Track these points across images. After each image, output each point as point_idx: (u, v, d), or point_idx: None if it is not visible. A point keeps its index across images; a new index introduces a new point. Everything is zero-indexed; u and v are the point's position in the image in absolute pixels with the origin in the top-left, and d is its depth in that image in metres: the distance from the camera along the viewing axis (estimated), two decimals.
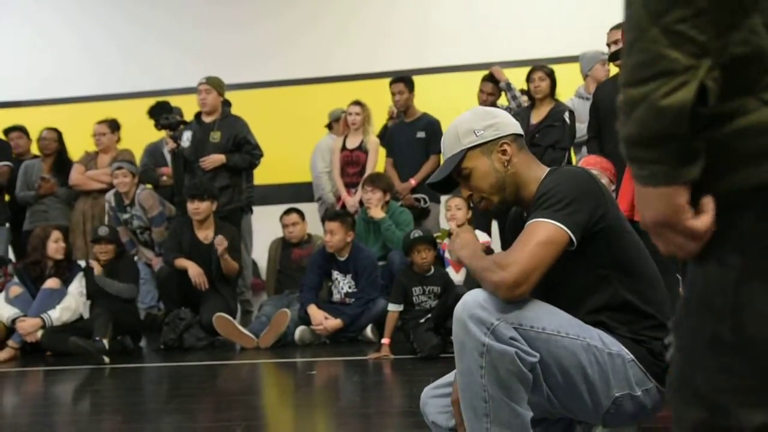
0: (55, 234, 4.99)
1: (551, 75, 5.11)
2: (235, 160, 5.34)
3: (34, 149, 6.38)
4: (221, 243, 4.79)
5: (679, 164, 0.84)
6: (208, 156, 5.29)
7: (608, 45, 4.62)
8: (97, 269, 4.88)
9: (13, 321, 4.71)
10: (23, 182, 5.94)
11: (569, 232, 1.63)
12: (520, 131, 1.90)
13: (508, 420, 1.57)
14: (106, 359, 4.29)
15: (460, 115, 1.96)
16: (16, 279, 4.99)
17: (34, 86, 8.44)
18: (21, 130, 6.43)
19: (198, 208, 4.98)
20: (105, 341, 4.40)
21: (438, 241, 4.75)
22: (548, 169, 1.86)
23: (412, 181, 5.51)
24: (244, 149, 5.40)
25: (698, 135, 0.82)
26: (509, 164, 1.83)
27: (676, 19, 0.77)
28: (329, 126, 6.54)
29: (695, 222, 0.86)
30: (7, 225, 5.95)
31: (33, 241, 5.03)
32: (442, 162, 1.97)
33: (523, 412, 1.60)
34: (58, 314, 4.71)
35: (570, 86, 5.21)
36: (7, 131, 6.35)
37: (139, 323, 5.05)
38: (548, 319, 1.61)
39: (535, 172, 1.83)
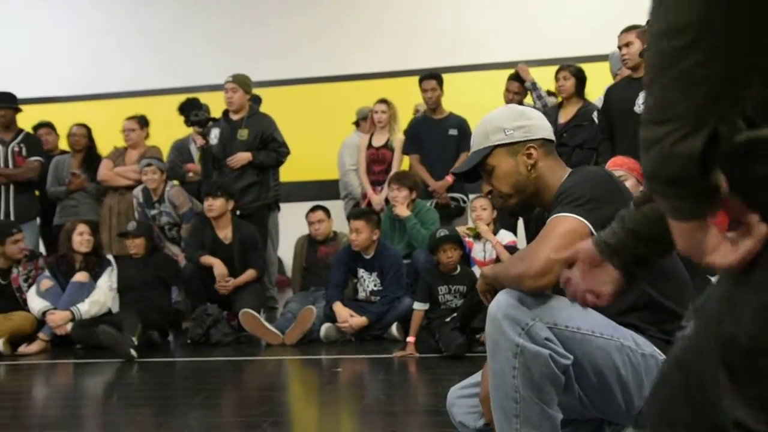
0: (80, 227, 5.07)
1: (577, 74, 5.08)
2: (262, 157, 5.37)
3: (63, 145, 6.47)
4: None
5: (697, 202, 0.84)
6: (235, 155, 5.33)
7: (619, 47, 4.55)
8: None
9: (44, 314, 4.81)
10: (54, 177, 6.03)
11: (590, 226, 1.63)
12: (551, 137, 1.90)
13: (538, 421, 1.57)
14: (134, 353, 4.34)
15: (495, 110, 1.97)
16: (47, 272, 5.07)
17: (63, 82, 8.57)
18: (49, 126, 6.53)
19: (212, 205, 5.03)
20: (134, 339, 4.45)
21: (466, 238, 4.75)
22: (570, 170, 1.86)
23: (449, 179, 5.50)
24: (270, 147, 5.43)
25: (726, 169, 0.82)
26: (533, 168, 1.83)
27: (692, 65, 0.75)
28: (356, 123, 6.56)
29: (715, 258, 0.85)
30: (38, 220, 6.05)
31: (62, 236, 5.14)
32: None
33: (554, 414, 1.59)
34: (87, 307, 4.78)
35: (600, 85, 5.16)
36: (36, 127, 6.45)
37: (168, 318, 5.09)
38: (582, 318, 1.61)
39: (558, 177, 1.83)
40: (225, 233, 5.14)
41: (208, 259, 5.00)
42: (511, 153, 1.84)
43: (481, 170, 1.89)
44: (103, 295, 4.92)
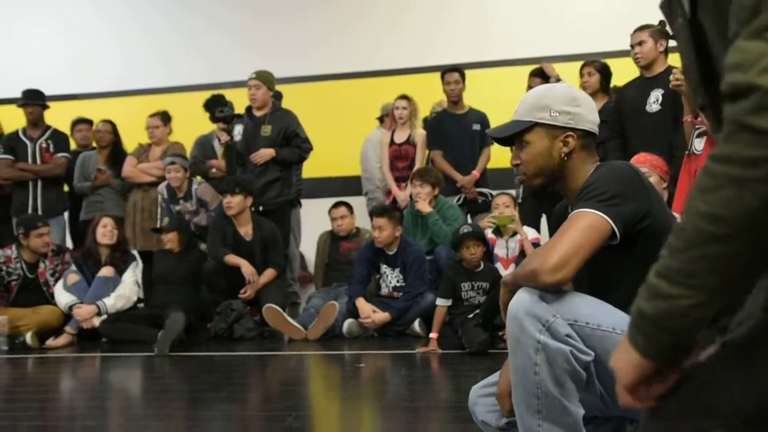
0: (104, 220, 5.17)
1: (602, 70, 5.04)
2: (285, 154, 5.40)
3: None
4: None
5: (675, 356, 0.89)
6: (258, 151, 5.37)
7: (632, 46, 4.49)
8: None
9: (70, 308, 4.89)
10: (80, 173, 6.13)
11: (611, 221, 1.61)
12: (595, 130, 1.87)
13: (560, 417, 1.57)
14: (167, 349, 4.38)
15: (552, 85, 1.94)
16: (73, 267, 5.15)
17: (89, 80, 8.67)
18: (87, 122, 6.61)
19: (230, 202, 5.07)
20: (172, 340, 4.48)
21: (489, 233, 4.75)
22: (598, 163, 1.84)
23: (476, 173, 5.49)
24: (293, 143, 5.46)
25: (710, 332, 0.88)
26: (567, 157, 1.81)
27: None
28: (380, 119, 6.56)
29: (637, 399, 0.94)
30: (66, 214, 6.14)
31: (90, 231, 5.23)
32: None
33: (575, 410, 1.59)
34: (112, 302, 4.86)
35: (626, 81, 5.13)
36: (74, 123, 6.53)
37: (195, 315, 5.12)
38: (603, 315, 1.60)
39: (586, 171, 1.81)
40: (246, 230, 5.18)
41: (233, 259, 5.03)
42: (550, 135, 1.81)
43: (516, 140, 1.87)
44: (128, 289, 5.00)
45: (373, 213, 4.99)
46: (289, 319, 4.75)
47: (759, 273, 0.80)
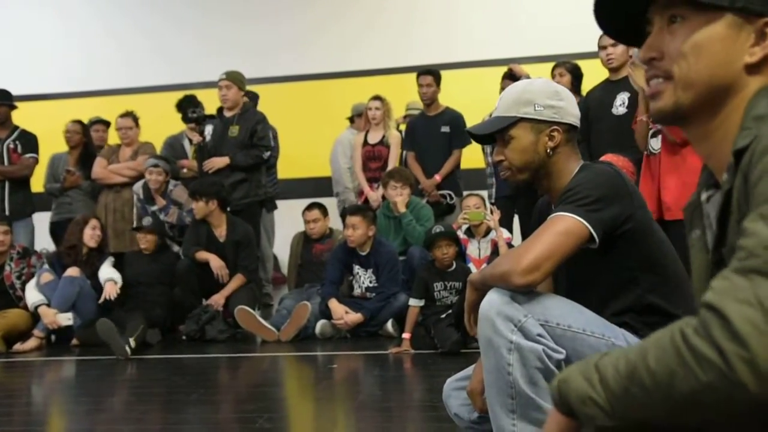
0: (93, 222, 5.15)
1: (573, 71, 5.09)
2: (239, 159, 5.36)
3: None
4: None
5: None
6: (211, 159, 5.38)
7: (602, 47, 4.38)
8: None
9: (36, 307, 4.80)
10: (50, 174, 6.05)
11: (590, 226, 1.61)
12: (578, 124, 1.86)
13: (534, 416, 1.58)
14: (128, 351, 4.33)
15: (533, 79, 1.94)
16: (47, 266, 5.07)
17: (59, 80, 8.57)
18: (103, 122, 6.53)
19: (195, 207, 5.12)
20: (132, 340, 4.43)
21: (461, 232, 4.78)
22: (582, 163, 1.84)
23: (437, 177, 5.53)
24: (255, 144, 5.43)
25: None
26: (552, 152, 1.80)
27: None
28: (351, 120, 6.56)
29: None
30: (32, 217, 6.04)
31: (72, 228, 5.16)
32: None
33: (549, 408, 1.60)
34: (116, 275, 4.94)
35: (596, 82, 5.18)
36: (92, 123, 6.47)
37: (169, 316, 5.07)
38: (574, 317, 1.62)
39: (571, 167, 1.81)
40: (220, 231, 5.16)
41: (203, 255, 5.04)
42: (535, 130, 1.79)
43: (498, 137, 1.85)
44: (111, 272, 4.96)
45: (347, 212, 4.99)
46: (262, 320, 4.73)
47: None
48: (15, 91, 6.15)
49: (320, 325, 4.69)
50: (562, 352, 1.58)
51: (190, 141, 6.05)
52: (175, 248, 5.65)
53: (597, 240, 1.63)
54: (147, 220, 5.19)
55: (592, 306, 1.68)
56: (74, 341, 4.84)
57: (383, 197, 5.39)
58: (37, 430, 3.17)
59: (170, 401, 3.47)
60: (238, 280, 5.04)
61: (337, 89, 7.82)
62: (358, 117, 6.37)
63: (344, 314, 4.62)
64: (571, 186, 1.71)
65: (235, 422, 3.07)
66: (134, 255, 5.25)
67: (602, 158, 3.60)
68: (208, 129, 5.48)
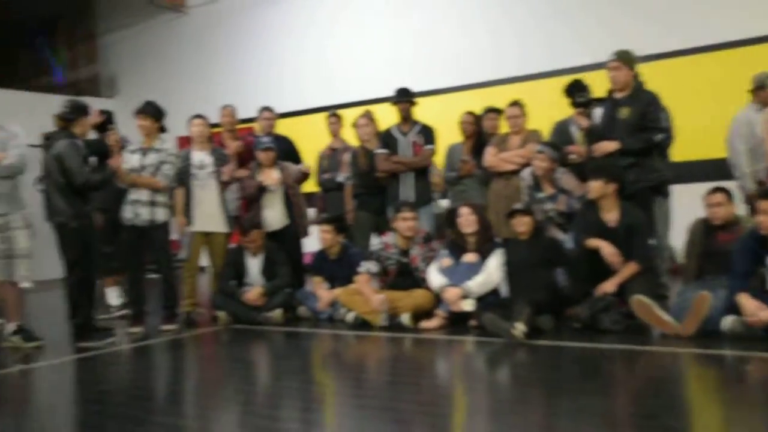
0: (463, 210, 5.43)
1: None
2: (629, 142, 5.15)
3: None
4: None
5: None
6: (600, 143, 5.26)
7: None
8: None
9: (441, 289, 5.20)
10: (448, 164, 6.51)
11: None
12: None
13: None
14: (519, 335, 4.42)
15: None
16: (446, 251, 5.46)
17: (453, 74, 9.18)
18: (496, 111, 6.74)
19: (591, 186, 4.98)
20: (520, 324, 4.51)
21: None
22: None
23: None
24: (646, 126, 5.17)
25: None
26: None
27: None
28: (753, 92, 5.85)
29: None
30: (433, 204, 6.52)
31: (449, 218, 5.49)
32: None
33: None
34: (476, 286, 5.05)
35: None
36: (486, 111, 6.72)
37: (556, 299, 5.08)
38: None
39: None
40: (610, 216, 4.99)
41: (593, 242, 4.92)
42: None
43: None
44: (492, 274, 5.15)
45: (759, 196, 4.45)
46: (661, 311, 4.47)
47: None
48: (417, 89, 6.71)
49: (729, 321, 4.25)
50: None
51: (579, 126, 5.98)
52: (559, 234, 5.64)
53: None
54: (518, 205, 5.27)
55: None
56: (473, 322, 5.08)
57: None
58: (441, 402, 3.42)
59: (563, 389, 3.47)
60: (631, 267, 4.82)
61: (734, 60, 7.08)
62: (761, 90, 5.66)
63: (758, 311, 4.13)
64: None
65: (634, 417, 2.94)
66: (513, 243, 5.34)
67: None
68: (597, 112, 5.37)
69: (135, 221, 5.70)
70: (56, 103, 5.80)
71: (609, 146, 5.23)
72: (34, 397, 4.23)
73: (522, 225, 5.23)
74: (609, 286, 4.79)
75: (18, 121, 5.59)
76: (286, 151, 6.92)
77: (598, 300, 4.71)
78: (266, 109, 7.12)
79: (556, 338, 4.59)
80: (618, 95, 5.35)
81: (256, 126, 7.26)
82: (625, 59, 5.32)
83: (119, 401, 3.78)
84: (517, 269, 5.17)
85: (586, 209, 5.14)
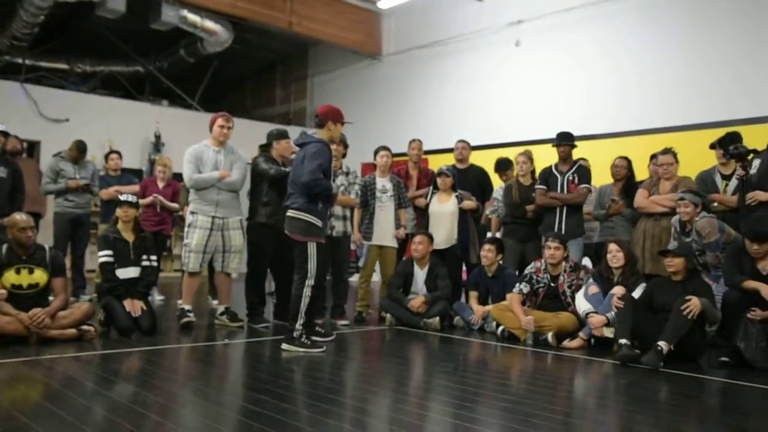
0: (610, 246, 5.22)
1: None
2: None
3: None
4: None
5: None
6: (754, 192, 5.00)
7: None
8: None
9: (587, 314, 5.02)
10: (597, 203, 6.31)
11: None
12: None
13: None
14: (658, 363, 4.16)
15: None
16: (592, 280, 5.27)
17: (609, 120, 8.87)
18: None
19: (758, 249, 4.55)
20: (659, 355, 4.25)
21: None
22: None
23: None
24: None
25: None
26: None
27: None
28: None
29: None
30: (582, 238, 6.31)
31: (599, 251, 5.28)
32: None
33: None
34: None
35: None
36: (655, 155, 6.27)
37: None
38: None
39: None
40: (764, 264, 4.57)
41: (751, 284, 4.51)
42: None
43: None
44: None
45: None
46: None
47: None
48: (577, 133, 6.56)
49: None
50: None
51: (722, 175, 5.60)
52: (705, 276, 5.24)
53: None
54: (673, 245, 4.92)
55: None
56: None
57: None
58: (574, 414, 3.29)
59: (692, 418, 3.22)
60: None
61: None
62: None
63: None
64: None
65: None
66: (663, 282, 4.95)
67: None
68: (756, 163, 5.00)
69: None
70: (268, 129, 6.25)
71: (763, 196, 4.87)
72: (231, 365, 4.55)
73: (673, 266, 4.78)
74: (763, 314, 4.36)
75: (241, 145, 6.09)
76: (479, 180, 6.98)
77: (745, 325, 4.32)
78: (461, 141, 7.18)
79: (698, 371, 4.27)
80: None
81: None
82: None
83: (297, 379, 3.99)
84: (662, 309, 4.70)
85: (739, 256, 4.70)
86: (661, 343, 4.24)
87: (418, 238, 6.21)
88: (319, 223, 4.71)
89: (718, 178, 5.67)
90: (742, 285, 4.54)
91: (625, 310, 4.61)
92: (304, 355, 4.53)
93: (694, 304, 4.37)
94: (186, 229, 5.67)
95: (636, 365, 4.34)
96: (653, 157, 6.40)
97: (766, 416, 3.49)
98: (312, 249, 4.68)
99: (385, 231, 6.37)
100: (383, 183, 6.42)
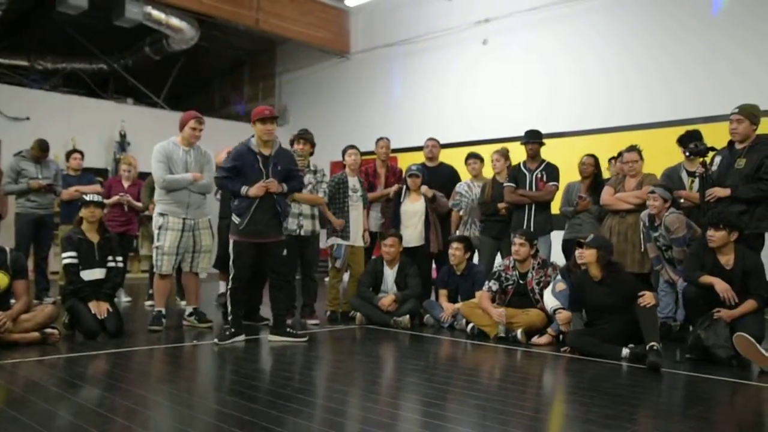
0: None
1: None
2: (741, 191, 4.97)
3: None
4: None
5: None
6: (713, 189, 5.09)
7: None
8: None
9: (554, 311, 5.07)
10: (565, 199, 6.37)
11: None
12: None
13: None
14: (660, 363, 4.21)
15: None
16: (559, 276, 5.32)
17: (575, 119, 8.97)
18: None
19: (713, 236, 4.62)
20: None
21: None
22: None
23: None
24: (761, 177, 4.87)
25: None
26: None
27: None
28: None
29: None
30: (551, 234, 6.39)
31: (567, 248, 5.34)
32: None
33: None
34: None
35: None
36: (620, 154, 6.32)
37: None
38: None
39: None
40: (727, 259, 4.68)
41: (707, 279, 4.62)
42: None
43: None
44: None
45: None
46: (762, 349, 4.14)
47: None
48: (544, 130, 6.63)
49: None
50: None
51: (687, 172, 5.73)
52: (670, 270, 5.35)
53: None
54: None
55: None
56: (566, 348, 4.85)
57: None
58: (542, 409, 3.32)
59: (660, 411, 3.28)
60: (750, 304, 4.49)
61: None
62: None
63: None
64: None
65: None
66: (585, 278, 4.94)
67: None
68: (716, 160, 5.11)
69: (300, 232, 5.92)
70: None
71: (721, 192, 4.98)
72: (200, 367, 4.51)
73: (584, 258, 4.85)
74: (727, 314, 4.47)
75: (208, 144, 6.02)
76: (449, 178, 6.97)
77: (709, 320, 4.43)
78: (430, 139, 7.17)
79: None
80: (738, 146, 5.11)
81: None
82: (748, 113, 5.06)
83: (266, 379, 3.96)
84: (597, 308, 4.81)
85: (702, 251, 4.81)
86: (653, 343, 4.29)
87: (389, 241, 6.21)
88: (237, 219, 4.92)
89: (684, 175, 5.79)
90: (699, 280, 4.65)
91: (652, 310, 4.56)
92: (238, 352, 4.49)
93: (646, 300, 4.46)
94: (156, 231, 5.59)
95: (604, 361, 4.40)
96: (612, 159, 6.54)
97: (728, 407, 3.57)
98: (231, 247, 5.01)
99: (356, 230, 6.36)
100: (353, 182, 6.41)
